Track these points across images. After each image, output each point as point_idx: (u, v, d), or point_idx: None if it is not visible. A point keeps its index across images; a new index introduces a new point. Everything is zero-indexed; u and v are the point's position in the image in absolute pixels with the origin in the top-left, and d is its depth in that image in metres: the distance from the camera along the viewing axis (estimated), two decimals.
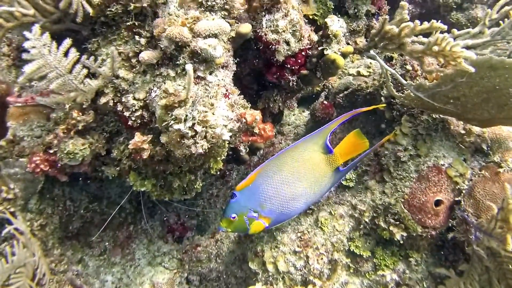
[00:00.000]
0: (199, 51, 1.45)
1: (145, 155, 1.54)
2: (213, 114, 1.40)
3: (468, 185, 1.75)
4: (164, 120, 1.41)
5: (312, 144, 1.75)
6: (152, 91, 1.52)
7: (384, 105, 1.95)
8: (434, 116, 1.84)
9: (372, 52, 1.90)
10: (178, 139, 1.39)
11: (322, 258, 1.88)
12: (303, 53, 1.84)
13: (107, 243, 2.33)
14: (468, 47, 1.41)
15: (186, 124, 1.35)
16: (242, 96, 1.68)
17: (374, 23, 2.22)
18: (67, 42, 1.34)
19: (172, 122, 1.37)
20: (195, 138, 1.38)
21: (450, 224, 1.78)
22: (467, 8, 3.44)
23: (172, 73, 1.50)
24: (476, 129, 1.80)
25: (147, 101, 1.54)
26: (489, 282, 1.58)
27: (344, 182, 2.04)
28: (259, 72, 1.98)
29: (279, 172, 1.69)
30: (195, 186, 1.83)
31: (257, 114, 1.62)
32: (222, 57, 1.52)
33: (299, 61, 1.84)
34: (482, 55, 1.46)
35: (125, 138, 1.68)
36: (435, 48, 1.47)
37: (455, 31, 1.82)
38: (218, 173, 1.81)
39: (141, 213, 2.43)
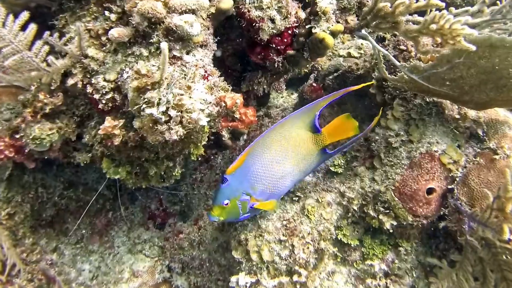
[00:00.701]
0: (174, 28, 1.36)
1: (117, 141, 1.45)
2: (189, 97, 1.31)
3: (462, 173, 1.72)
4: (136, 103, 1.32)
5: (299, 121, 1.73)
6: (124, 71, 1.42)
7: (374, 82, 1.92)
8: (427, 100, 1.80)
9: (363, 31, 1.84)
10: (151, 125, 1.29)
11: (308, 247, 1.84)
12: (289, 31, 1.76)
13: (84, 231, 2.28)
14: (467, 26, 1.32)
15: (159, 108, 1.26)
16: (223, 78, 1.61)
17: (367, 0, 2.13)
18: (24, 14, 1.23)
19: (145, 106, 1.27)
20: (169, 124, 1.28)
21: (442, 213, 1.75)
22: None
23: (145, 52, 1.41)
24: (471, 114, 1.76)
25: (119, 83, 1.45)
26: (482, 273, 1.57)
27: (332, 168, 2.00)
28: (243, 52, 1.91)
29: (268, 150, 1.67)
30: (174, 174, 1.76)
31: (238, 98, 1.53)
32: (200, 35, 1.44)
33: (285, 40, 1.77)
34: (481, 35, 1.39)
35: (97, 122, 1.60)
36: (433, 26, 1.40)
37: (452, 9, 1.76)
38: (200, 158, 1.72)
39: (121, 199, 2.34)
